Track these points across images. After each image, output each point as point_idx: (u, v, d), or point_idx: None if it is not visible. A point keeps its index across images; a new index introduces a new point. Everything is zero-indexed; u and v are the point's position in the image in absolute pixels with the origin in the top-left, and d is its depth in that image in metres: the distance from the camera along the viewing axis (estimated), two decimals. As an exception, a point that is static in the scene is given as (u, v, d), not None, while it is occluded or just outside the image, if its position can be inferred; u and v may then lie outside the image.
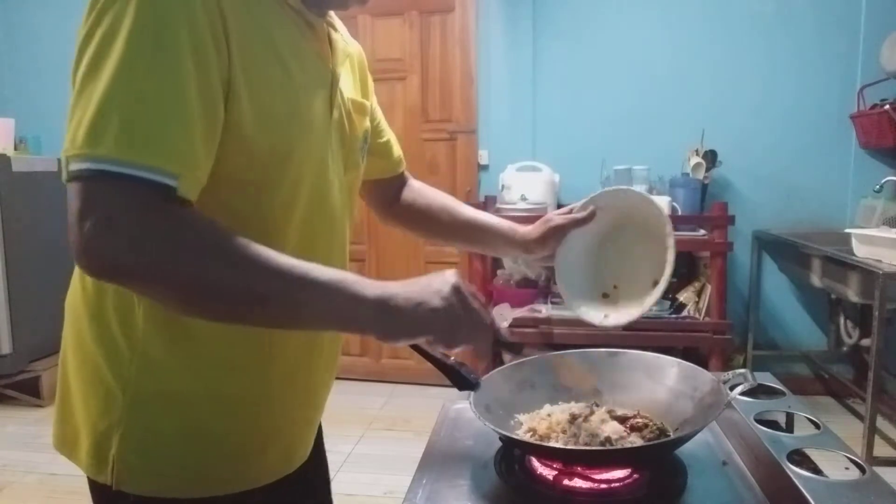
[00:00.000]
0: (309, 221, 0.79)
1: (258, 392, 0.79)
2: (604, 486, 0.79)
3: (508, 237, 1.03)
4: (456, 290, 0.72)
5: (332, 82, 0.82)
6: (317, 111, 0.79)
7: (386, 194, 1.10)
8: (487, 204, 3.18)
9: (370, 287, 0.68)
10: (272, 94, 0.71)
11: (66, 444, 0.81)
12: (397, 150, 1.09)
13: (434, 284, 0.72)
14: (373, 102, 1.02)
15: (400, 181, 1.11)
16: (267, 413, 0.81)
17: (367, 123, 0.95)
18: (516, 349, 0.80)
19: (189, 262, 0.61)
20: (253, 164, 0.71)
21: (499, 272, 3.17)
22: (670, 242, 0.92)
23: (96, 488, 0.77)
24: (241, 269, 0.62)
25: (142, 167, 0.59)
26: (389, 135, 1.08)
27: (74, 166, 0.60)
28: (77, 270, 0.79)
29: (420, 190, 1.11)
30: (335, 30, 0.86)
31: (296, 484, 0.90)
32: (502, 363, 0.99)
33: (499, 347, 0.80)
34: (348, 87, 0.89)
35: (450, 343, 0.72)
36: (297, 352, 0.83)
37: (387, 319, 0.67)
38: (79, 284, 0.81)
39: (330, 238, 0.84)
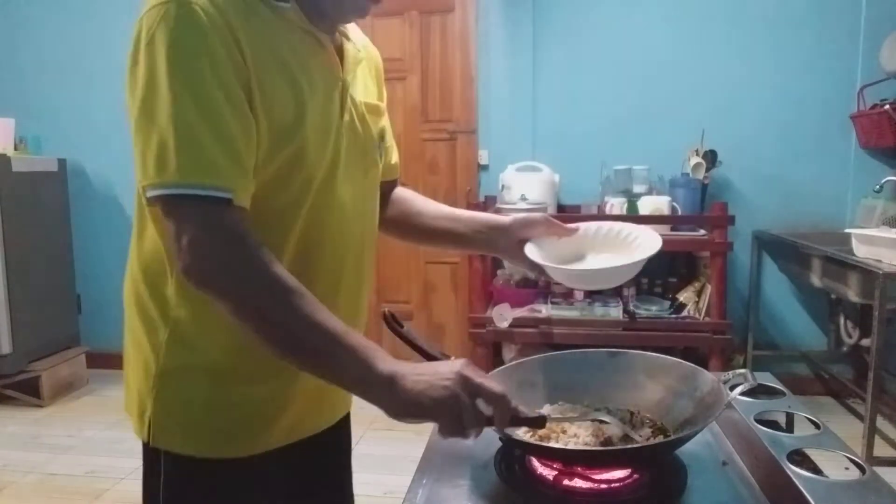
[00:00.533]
0: (317, 219, 0.85)
1: (274, 366, 0.83)
2: (604, 486, 0.79)
3: (490, 222, 1.05)
4: (462, 380, 0.73)
5: (343, 90, 0.89)
6: (325, 117, 0.85)
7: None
8: (487, 204, 3.18)
9: (386, 362, 0.74)
10: (283, 107, 0.79)
11: (127, 407, 0.94)
12: (395, 157, 1.12)
13: (441, 372, 0.74)
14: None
15: (391, 187, 1.13)
16: (281, 384, 0.88)
17: (383, 123, 1.00)
18: (538, 423, 0.79)
19: (257, 305, 0.74)
20: (266, 166, 0.79)
21: (499, 272, 3.17)
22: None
23: (144, 446, 0.89)
24: (295, 320, 0.73)
25: (206, 187, 0.72)
26: (391, 141, 1.11)
27: (150, 193, 0.74)
28: (132, 252, 0.90)
29: (407, 194, 1.14)
30: (348, 39, 0.92)
31: (314, 448, 0.97)
32: (502, 363, 0.99)
33: (521, 424, 0.80)
34: (361, 91, 0.94)
35: (454, 432, 0.74)
36: None
37: (391, 397, 0.73)
38: (129, 266, 0.91)
39: (340, 235, 0.89)
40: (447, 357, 0.94)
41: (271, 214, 0.82)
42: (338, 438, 1.06)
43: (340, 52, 0.90)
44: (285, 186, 0.82)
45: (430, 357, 0.94)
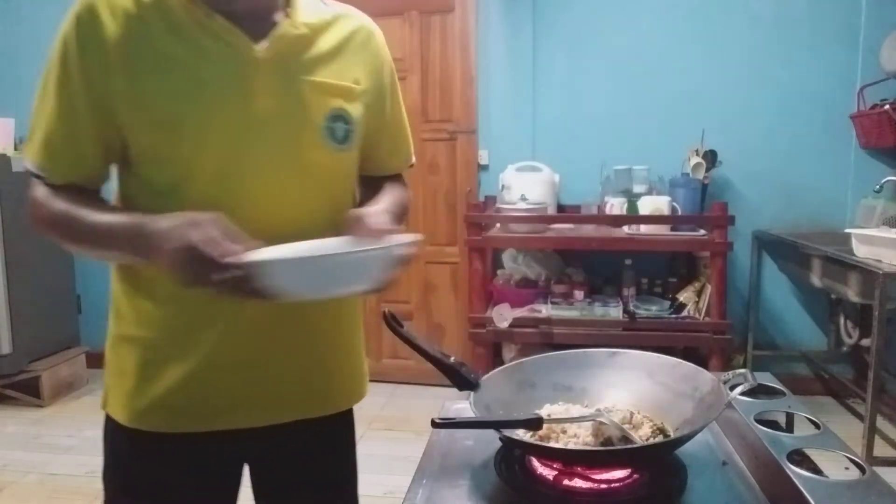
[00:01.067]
0: (213, 205, 0.81)
1: (192, 343, 0.90)
2: (604, 486, 0.79)
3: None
4: (187, 251, 0.74)
5: (248, 63, 0.86)
6: (220, 102, 0.85)
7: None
8: (487, 204, 3.18)
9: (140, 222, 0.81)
10: (154, 96, 0.83)
11: None
12: (393, 151, 1.08)
13: (173, 238, 0.76)
14: (386, 94, 1.02)
15: (382, 180, 1.07)
16: (200, 363, 0.90)
17: (342, 104, 0.92)
18: (535, 425, 0.78)
19: (53, 235, 0.89)
20: (137, 148, 0.86)
21: (499, 272, 3.17)
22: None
23: None
24: (71, 235, 0.88)
25: (38, 169, 0.89)
26: (385, 135, 1.05)
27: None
28: None
29: (396, 188, 1.06)
30: (288, 17, 0.90)
31: (300, 440, 0.99)
32: (502, 363, 0.99)
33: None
34: (306, 67, 0.90)
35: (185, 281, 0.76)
36: (229, 323, 0.90)
37: (141, 243, 0.80)
38: None
39: (256, 224, 0.83)
40: (447, 357, 0.94)
41: (152, 193, 0.87)
42: (331, 435, 1.04)
43: (272, 27, 0.87)
44: (161, 168, 0.86)
45: (430, 357, 0.94)
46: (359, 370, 1.06)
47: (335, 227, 0.88)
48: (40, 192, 0.89)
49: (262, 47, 0.86)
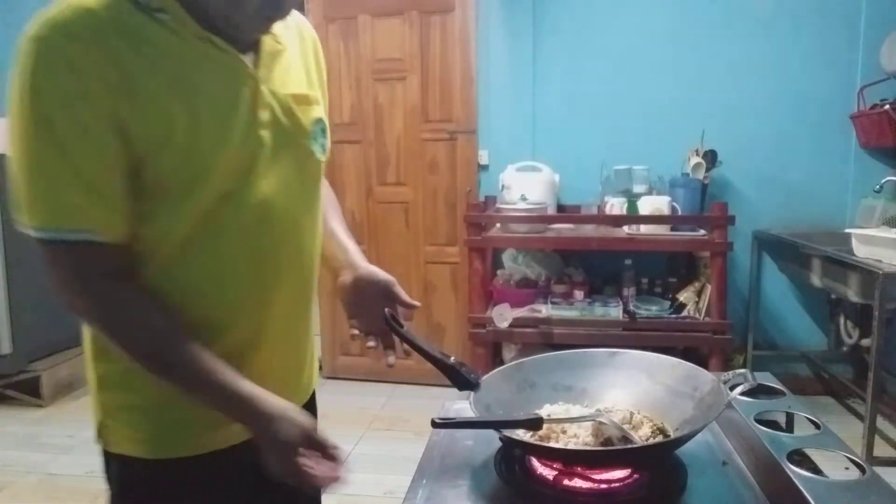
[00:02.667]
0: (228, 214, 0.83)
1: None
2: (604, 486, 0.79)
3: (338, 258, 1.06)
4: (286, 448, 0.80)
5: (254, 87, 0.85)
6: (227, 119, 0.82)
7: None
8: (487, 204, 3.18)
9: (247, 409, 0.81)
10: (166, 120, 0.77)
11: None
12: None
13: (277, 444, 0.80)
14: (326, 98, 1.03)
15: None
16: None
17: (318, 113, 0.94)
18: (534, 425, 0.82)
19: (127, 340, 0.80)
20: (151, 173, 0.79)
21: (499, 272, 3.17)
22: None
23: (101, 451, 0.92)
24: (147, 353, 0.80)
25: (63, 230, 0.75)
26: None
27: (21, 229, 0.77)
28: None
29: (324, 189, 1.08)
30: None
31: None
32: (502, 363, 0.99)
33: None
34: (284, 82, 0.90)
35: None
36: (253, 338, 0.90)
37: (244, 414, 0.81)
38: None
39: (269, 228, 0.87)
40: (447, 357, 0.94)
41: (157, 200, 0.80)
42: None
43: (256, 46, 0.86)
44: (173, 181, 0.79)
45: (429, 357, 0.94)
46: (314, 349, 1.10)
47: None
48: (92, 270, 0.78)
49: (249, 60, 0.85)
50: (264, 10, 0.80)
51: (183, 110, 0.78)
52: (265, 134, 0.86)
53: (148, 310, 0.79)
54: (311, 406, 1.06)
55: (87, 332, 0.90)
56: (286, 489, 1.00)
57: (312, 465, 0.79)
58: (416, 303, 1.05)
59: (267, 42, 0.87)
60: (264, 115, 0.86)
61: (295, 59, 0.94)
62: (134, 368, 0.83)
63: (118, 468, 0.89)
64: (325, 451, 0.81)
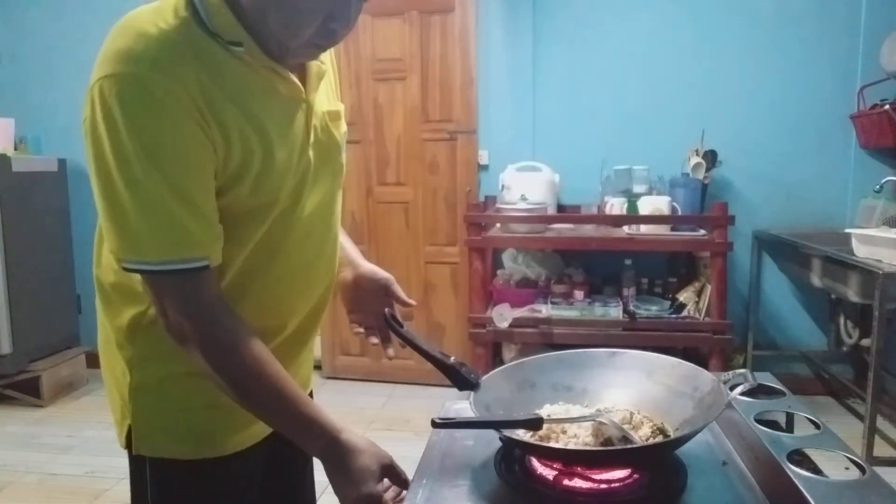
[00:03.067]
0: (279, 229, 0.87)
1: None
2: (604, 486, 0.79)
3: (340, 260, 1.06)
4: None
5: (308, 111, 0.88)
6: (292, 146, 0.86)
7: None
8: (487, 204, 3.18)
9: (321, 442, 0.85)
10: (247, 151, 0.79)
11: (111, 412, 0.97)
12: None
13: (361, 484, 0.84)
14: None
15: None
16: None
17: (344, 126, 0.99)
18: (534, 425, 0.82)
19: (229, 377, 0.81)
20: (229, 201, 0.82)
21: (499, 272, 3.17)
22: None
23: (129, 455, 0.93)
24: (255, 389, 0.82)
25: (181, 261, 0.76)
26: None
27: (127, 266, 0.78)
28: (97, 267, 0.92)
29: None
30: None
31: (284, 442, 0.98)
32: (502, 363, 1.00)
33: None
34: (324, 101, 0.94)
35: None
36: (284, 343, 0.95)
37: (326, 467, 0.86)
38: (97, 280, 0.92)
39: (307, 237, 0.92)
40: (447, 357, 0.94)
41: (229, 229, 0.82)
42: None
43: (303, 70, 0.88)
44: (246, 210, 0.83)
45: (429, 357, 0.94)
46: None
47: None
48: (209, 290, 0.80)
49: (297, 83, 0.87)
50: (316, 39, 0.81)
51: (258, 141, 0.80)
52: (312, 154, 0.89)
53: (248, 337, 0.81)
54: None
55: (110, 343, 0.91)
56: (288, 485, 1.03)
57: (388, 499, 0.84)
58: (413, 301, 1.08)
59: (313, 65, 0.89)
60: (312, 136, 0.89)
61: (327, 75, 0.96)
62: (171, 376, 0.87)
63: (157, 472, 0.91)
64: (401, 483, 0.87)
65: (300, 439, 0.86)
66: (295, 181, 0.87)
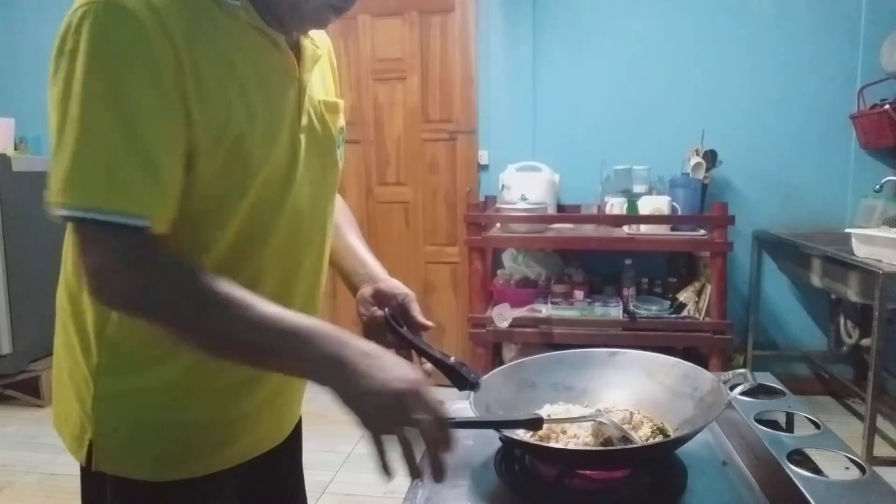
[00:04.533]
0: (264, 217, 0.81)
1: (225, 385, 0.84)
2: (604, 486, 0.79)
3: (359, 274, 1.02)
4: (408, 397, 0.67)
5: (300, 90, 0.84)
6: (277, 119, 0.80)
7: None
8: (487, 204, 3.18)
9: (330, 345, 0.69)
10: (225, 109, 0.74)
11: (58, 424, 0.88)
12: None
13: (392, 381, 0.67)
14: None
15: None
16: (232, 404, 0.86)
17: (342, 121, 0.95)
18: (535, 425, 0.79)
19: (184, 316, 0.70)
20: (204, 164, 0.74)
21: (499, 272, 3.17)
22: None
23: (83, 470, 0.84)
24: (226, 321, 0.69)
25: (114, 213, 0.67)
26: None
27: (56, 211, 0.68)
28: (64, 265, 0.85)
29: (338, 202, 1.07)
30: (306, 35, 0.87)
31: (266, 466, 0.94)
32: (502, 363, 0.99)
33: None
34: (319, 89, 0.90)
35: (379, 440, 0.71)
36: None
37: (335, 382, 0.68)
38: (62, 277, 0.86)
39: (297, 234, 0.86)
40: (447, 357, 0.94)
41: (205, 203, 0.76)
42: (292, 445, 1.03)
43: (298, 49, 0.85)
44: (222, 180, 0.76)
45: (429, 357, 0.94)
46: None
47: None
48: (147, 248, 0.70)
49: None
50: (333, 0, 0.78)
51: (240, 103, 0.75)
52: (303, 139, 0.85)
53: (192, 270, 0.71)
54: (294, 435, 1.04)
55: (72, 348, 0.83)
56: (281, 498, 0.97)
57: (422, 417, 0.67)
58: (432, 323, 1.00)
59: (308, 46, 0.86)
60: (304, 120, 0.85)
61: (325, 66, 0.94)
62: (141, 389, 0.79)
63: (115, 491, 0.82)
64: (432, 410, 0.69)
65: (303, 356, 0.70)
66: (281, 166, 0.81)
